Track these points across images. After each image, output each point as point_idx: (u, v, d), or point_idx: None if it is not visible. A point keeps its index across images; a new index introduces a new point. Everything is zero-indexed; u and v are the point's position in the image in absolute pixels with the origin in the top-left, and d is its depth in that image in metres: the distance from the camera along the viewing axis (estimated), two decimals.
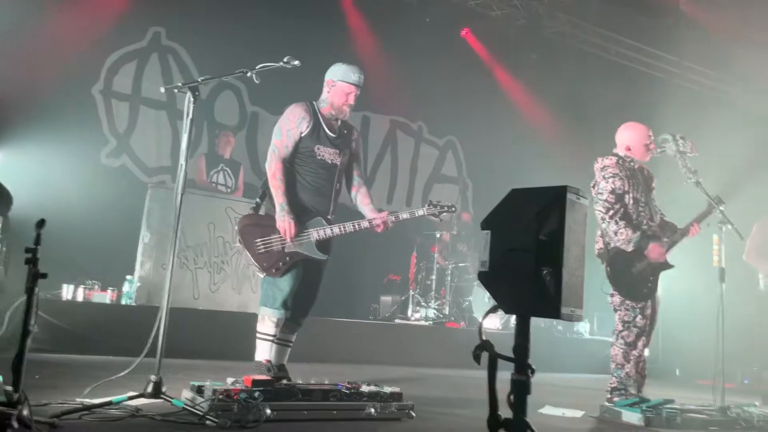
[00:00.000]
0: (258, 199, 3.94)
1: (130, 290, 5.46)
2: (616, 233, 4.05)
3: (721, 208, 4.11)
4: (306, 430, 2.73)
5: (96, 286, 5.39)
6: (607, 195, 4.08)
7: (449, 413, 3.59)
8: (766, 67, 9.01)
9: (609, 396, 4.04)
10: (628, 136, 4.24)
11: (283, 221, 3.69)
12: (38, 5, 6.25)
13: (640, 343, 4.11)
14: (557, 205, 1.83)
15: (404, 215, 3.97)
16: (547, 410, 3.88)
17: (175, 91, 3.13)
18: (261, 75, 3.68)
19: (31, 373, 2.13)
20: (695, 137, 4.29)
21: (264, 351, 3.78)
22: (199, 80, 3.15)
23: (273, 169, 3.76)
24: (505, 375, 1.86)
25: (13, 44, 5.95)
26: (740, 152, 7.63)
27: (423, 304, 7.70)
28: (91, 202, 6.14)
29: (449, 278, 7.78)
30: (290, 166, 3.83)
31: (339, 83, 3.89)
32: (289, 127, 3.81)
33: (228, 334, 5.20)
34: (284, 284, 3.74)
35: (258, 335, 3.79)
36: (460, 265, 7.94)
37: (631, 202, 4.14)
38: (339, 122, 3.99)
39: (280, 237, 3.71)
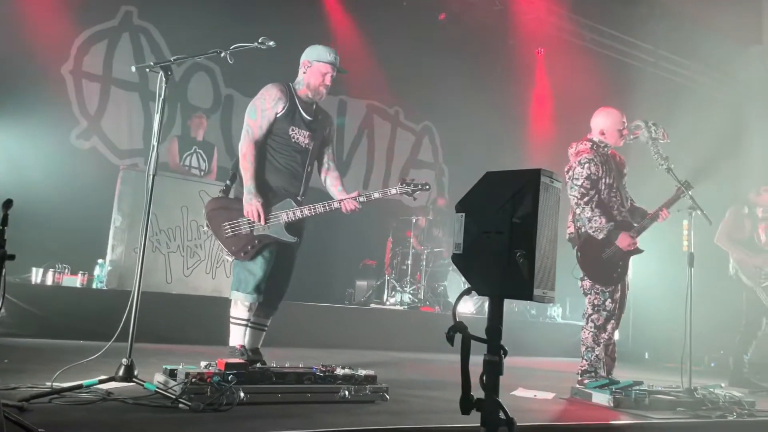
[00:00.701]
0: (228, 182, 3.90)
1: (101, 274, 5.38)
2: (589, 220, 4.09)
3: (689, 192, 4.18)
4: (280, 413, 2.73)
5: (66, 270, 5.30)
6: (583, 180, 4.12)
7: (423, 395, 3.61)
8: (732, 55, 9.19)
9: (579, 378, 4.11)
10: (603, 121, 4.28)
11: (251, 204, 3.65)
12: None
13: (609, 327, 4.18)
14: (531, 188, 1.84)
15: (376, 194, 3.94)
16: (520, 392, 3.93)
17: (147, 70, 3.07)
18: (235, 56, 3.62)
19: None
20: (667, 124, 4.36)
21: (238, 336, 3.76)
22: (172, 60, 3.09)
23: (244, 150, 3.72)
24: (478, 359, 1.88)
25: None
26: (711, 139, 7.76)
27: (398, 288, 7.73)
28: (60, 184, 6.02)
29: (424, 263, 7.82)
30: (263, 147, 3.79)
31: (315, 63, 3.85)
32: (265, 107, 3.76)
33: (201, 319, 5.16)
34: (256, 268, 3.72)
35: (231, 320, 3.77)
36: (435, 250, 7.98)
37: (604, 187, 4.19)
38: (315, 106, 3.96)
39: (248, 220, 3.68)
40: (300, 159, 3.86)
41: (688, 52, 9.38)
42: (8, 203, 2.16)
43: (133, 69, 3.17)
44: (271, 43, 3.49)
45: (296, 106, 3.85)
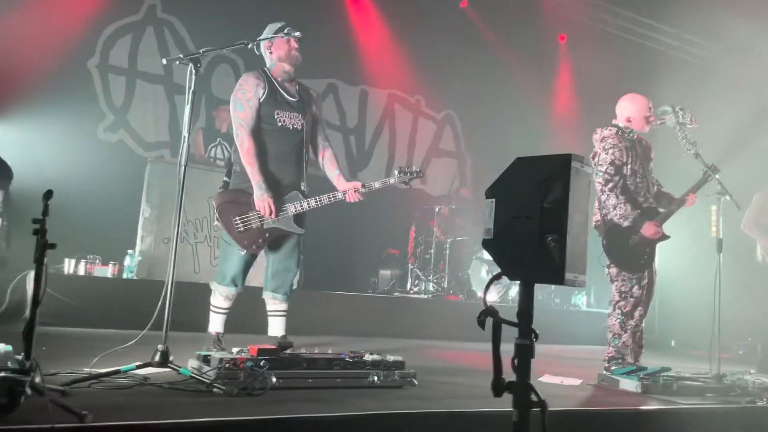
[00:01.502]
0: (225, 177, 3.91)
1: (131, 264, 5.48)
2: (614, 207, 4.08)
3: (716, 176, 4.14)
4: (310, 398, 2.78)
5: (97, 261, 5.41)
6: (607, 166, 4.11)
7: (450, 381, 3.65)
8: (758, 37, 8.99)
9: (606, 365, 4.11)
10: (629, 108, 4.25)
11: (262, 200, 3.68)
12: None
13: (637, 314, 4.16)
14: (561, 173, 1.84)
15: (377, 184, 3.96)
16: (546, 379, 3.94)
17: (177, 63, 3.12)
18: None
19: (37, 345, 2.16)
20: (694, 109, 4.31)
21: (216, 323, 3.87)
22: (201, 51, 3.14)
23: (246, 144, 3.70)
24: (506, 347, 1.89)
25: (7, 19, 5.88)
26: (737, 123, 7.64)
27: (422, 277, 7.76)
28: (89, 176, 6.13)
29: (448, 252, 7.83)
30: (260, 138, 3.78)
31: (275, 38, 3.83)
32: (247, 96, 3.75)
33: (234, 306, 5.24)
34: (236, 261, 3.78)
35: (211, 308, 3.87)
36: (458, 239, 7.98)
37: (629, 173, 4.17)
38: (296, 86, 3.95)
39: (258, 213, 3.72)
40: (293, 144, 3.85)
41: (713, 35, 9.21)
42: (49, 194, 2.23)
43: (164, 62, 3.21)
44: (297, 33, 3.54)
45: (276, 88, 3.84)
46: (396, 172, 4.05)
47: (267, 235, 3.76)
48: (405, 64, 8.45)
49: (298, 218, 3.85)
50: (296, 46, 3.88)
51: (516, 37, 8.94)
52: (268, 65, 3.92)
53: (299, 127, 3.87)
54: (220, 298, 3.85)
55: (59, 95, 6.23)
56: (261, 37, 3.83)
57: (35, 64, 6.02)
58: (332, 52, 7.82)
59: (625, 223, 4.07)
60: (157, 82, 7.07)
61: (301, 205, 3.81)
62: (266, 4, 6.78)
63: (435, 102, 9.29)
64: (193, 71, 3.07)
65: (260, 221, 3.74)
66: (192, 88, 3.07)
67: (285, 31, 3.79)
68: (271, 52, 3.88)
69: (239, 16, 6.61)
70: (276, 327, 3.97)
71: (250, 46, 3.53)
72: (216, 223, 3.84)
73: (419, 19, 8.23)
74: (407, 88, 8.99)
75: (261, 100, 3.77)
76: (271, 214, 3.70)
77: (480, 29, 8.62)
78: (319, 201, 3.84)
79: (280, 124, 3.80)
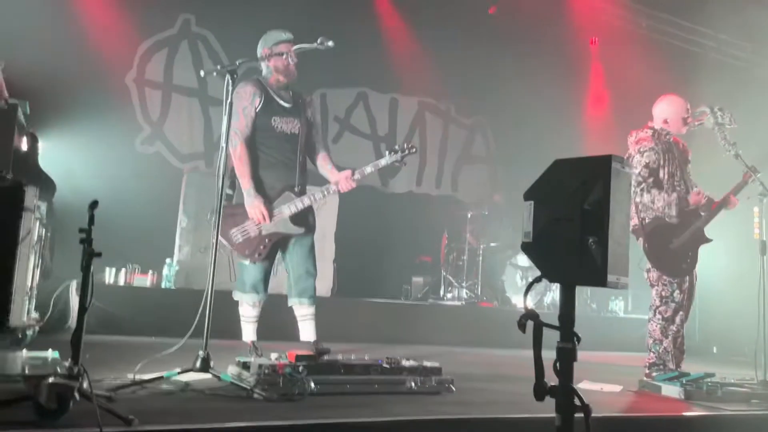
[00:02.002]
0: (229, 190, 3.90)
1: (169, 273, 5.58)
2: (653, 202, 4.01)
3: (758, 176, 4.04)
4: (348, 403, 2.79)
5: (137, 270, 5.52)
6: (641, 168, 4.06)
7: (488, 388, 3.62)
8: None
9: (647, 371, 4.04)
10: (666, 109, 4.19)
11: (252, 205, 3.72)
12: None
13: (678, 318, 4.09)
14: (602, 174, 1.83)
15: (369, 168, 3.96)
16: (585, 385, 3.88)
17: (213, 74, 3.19)
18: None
19: (82, 352, 2.22)
20: (733, 110, 4.22)
21: (248, 332, 3.93)
22: (237, 63, 3.20)
23: (239, 152, 3.75)
24: (546, 354, 1.87)
25: (47, 37, 6.06)
26: None
27: (455, 284, 7.72)
28: (128, 188, 6.26)
29: (481, 258, 7.78)
30: (253, 146, 3.84)
31: (275, 48, 3.86)
32: (244, 105, 3.80)
33: (264, 315, 5.28)
34: (252, 269, 3.83)
35: (241, 318, 3.94)
36: (491, 245, 7.93)
37: (666, 176, 4.10)
38: (290, 92, 3.99)
39: (254, 221, 3.75)
40: (290, 148, 3.90)
41: (750, 35, 9.02)
42: (94, 204, 2.29)
43: (202, 74, 3.29)
44: (330, 43, 3.57)
45: (271, 96, 3.89)
46: (387, 152, 4.02)
47: (267, 240, 3.80)
48: (435, 72, 8.45)
49: (296, 219, 3.87)
50: (296, 60, 3.93)
51: (546, 42, 8.87)
52: (264, 74, 3.99)
53: (296, 132, 3.93)
54: (247, 306, 3.92)
55: (98, 109, 6.39)
56: (296, 47, 3.86)
57: (75, 80, 6.20)
58: (362, 61, 7.87)
59: (673, 212, 3.98)
60: (192, 95, 7.21)
61: (295, 206, 3.84)
62: (297, 16, 6.84)
63: (465, 108, 9.27)
64: (230, 82, 3.13)
65: (258, 228, 3.77)
66: (230, 98, 3.12)
67: (283, 39, 3.87)
68: (269, 62, 3.92)
69: (271, 29, 6.68)
70: (307, 331, 4.00)
71: (285, 56, 3.58)
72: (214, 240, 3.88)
73: (448, 26, 8.23)
74: (437, 96, 8.99)
75: (257, 110, 3.85)
76: (265, 218, 3.73)
77: (509, 35, 8.58)
78: (313, 197, 3.86)
79: (278, 130, 3.88)
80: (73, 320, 4.81)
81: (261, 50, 3.94)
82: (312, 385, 2.85)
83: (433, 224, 8.30)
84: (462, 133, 9.32)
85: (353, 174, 3.93)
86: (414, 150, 4.03)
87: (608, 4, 8.73)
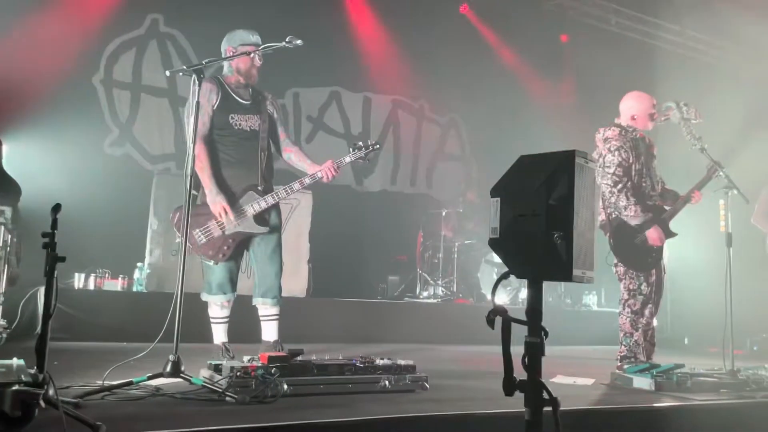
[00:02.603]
0: (194, 191, 3.83)
1: (140, 277, 5.51)
2: (625, 208, 4.06)
3: (722, 172, 4.12)
4: (322, 404, 2.78)
5: (107, 275, 5.44)
6: (615, 168, 4.10)
7: (463, 385, 3.64)
8: (760, 31, 8.97)
9: (619, 364, 4.09)
10: (634, 106, 4.24)
11: (215, 204, 3.69)
12: None
13: (647, 311, 4.15)
14: (566, 169, 1.85)
15: (347, 159, 3.96)
16: (559, 379, 3.92)
17: (180, 74, 3.15)
18: (263, 57, 3.69)
19: (49, 359, 2.18)
20: (698, 105, 4.29)
21: (219, 334, 3.90)
22: (204, 63, 3.16)
23: (197, 151, 3.63)
24: (517, 349, 1.88)
25: (12, 37, 5.94)
26: (743, 117, 7.61)
27: (431, 282, 7.75)
28: (97, 191, 6.16)
29: (456, 256, 7.81)
30: (212, 144, 3.81)
31: (241, 48, 3.82)
32: (201, 103, 3.78)
33: (238, 317, 5.24)
34: (217, 269, 3.81)
35: (211, 320, 3.89)
36: (466, 242, 7.97)
37: (634, 172, 4.16)
38: (250, 90, 3.97)
39: (218, 222, 3.73)
40: (251, 146, 3.87)
41: (715, 31, 9.19)
42: (57, 207, 2.25)
43: (167, 74, 3.25)
44: (299, 41, 3.55)
45: (229, 93, 3.87)
46: (351, 149, 4.02)
47: (231, 241, 3.77)
48: (407, 70, 8.47)
49: (260, 218, 3.84)
50: (258, 65, 3.91)
51: (517, 39, 8.95)
52: (224, 71, 3.96)
53: (256, 128, 3.90)
54: (216, 308, 3.90)
55: (65, 111, 6.28)
56: (264, 46, 3.83)
57: (40, 81, 6.07)
58: (334, 60, 7.85)
59: (634, 222, 4.06)
60: (162, 95, 7.12)
61: (259, 204, 3.81)
62: (267, 15, 6.81)
63: (439, 107, 9.30)
64: (197, 82, 3.09)
65: (221, 229, 3.74)
66: (196, 98, 3.09)
67: (250, 42, 3.81)
68: (231, 61, 3.89)
69: (241, 27, 6.62)
70: (269, 331, 3.98)
71: (252, 55, 3.55)
72: (178, 240, 3.84)
73: (420, 24, 8.25)
74: (410, 94, 9.00)
75: (215, 107, 3.82)
76: (227, 216, 3.70)
77: (481, 33, 8.63)
78: (276, 196, 3.84)
79: (236, 127, 3.85)
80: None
81: (225, 47, 3.90)
82: (285, 386, 2.83)
83: (408, 222, 8.32)
84: (436, 131, 9.35)
85: (334, 163, 3.92)
86: (377, 147, 4.03)
87: (578, 2, 8.83)
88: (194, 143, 3.10)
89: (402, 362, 3.25)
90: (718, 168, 4.12)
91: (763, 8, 8.08)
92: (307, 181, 3.90)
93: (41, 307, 4.85)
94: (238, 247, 3.82)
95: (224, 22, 6.88)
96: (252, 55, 3.77)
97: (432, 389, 3.22)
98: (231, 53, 3.85)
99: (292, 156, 4.10)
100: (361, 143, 4.01)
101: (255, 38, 3.88)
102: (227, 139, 3.83)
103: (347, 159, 3.98)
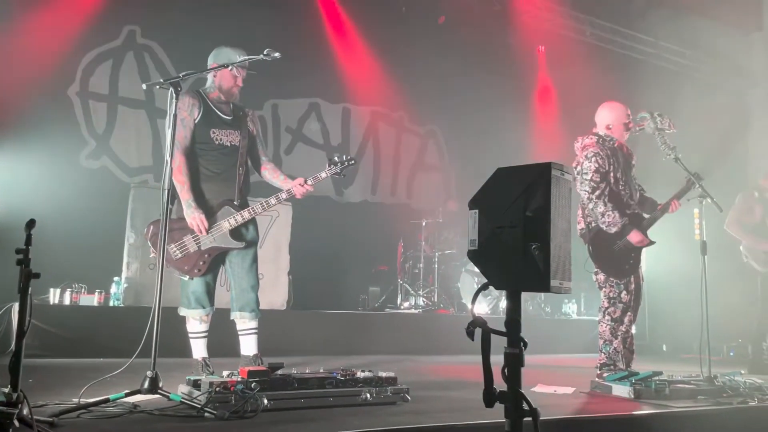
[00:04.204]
0: (170, 205, 3.88)
1: (117, 291, 5.43)
2: (603, 215, 4.10)
3: (700, 183, 4.19)
4: (302, 418, 2.76)
5: (83, 289, 5.35)
6: (592, 174, 4.14)
7: (444, 396, 3.63)
8: (733, 42, 9.19)
9: (599, 372, 4.12)
10: (608, 116, 4.30)
11: (193, 218, 3.68)
12: (7, 7, 6.14)
13: (626, 319, 4.19)
14: (542, 181, 1.87)
15: (322, 174, 3.96)
16: (539, 389, 3.94)
17: (157, 87, 3.13)
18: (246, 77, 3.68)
19: (24, 377, 2.13)
20: (672, 114, 4.37)
21: (198, 349, 3.87)
22: (181, 75, 3.15)
23: (178, 162, 3.69)
24: (497, 359, 1.89)
25: None
26: (717, 127, 7.76)
27: (412, 292, 7.75)
28: (73, 205, 6.07)
29: (436, 266, 7.83)
30: (193, 157, 3.81)
31: (231, 66, 3.81)
32: (182, 116, 3.77)
33: (218, 331, 5.19)
34: (193, 284, 3.79)
35: (189, 336, 3.86)
36: (446, 252, 7.99)
37: (613, 180, 4.21)
38: (231, 105, 3.98)
39: (193, 236, 3.72)
40: (230, 161, 3.88)
41: (689, 42, 9.38)
42: (31, 223, 2.22)
43: (144, 87, 3.23)
44: (276, 54, 3.55)
45: (211, 108, 3.88)
46: (327, 165, 4.02)
47: (207, 255, 3.76)
48: (386, 81, 8.50)
49: (236, 233, 3.84)
50: (240, 85, 3.93)
51: (495, 51, 9.03)
52: (206, 86, 3.96)
53: (236, 144, 3.91)
54: (194, 322, 3.87)
55: (40, 124, 6.19)
56: (242, 59, 3.82)
57: (14, 93, 5.98)
58: (313, 72, 7.85)
59: (613, 230, 4.10)
60: (139, 107, 7.06)
61: (235, 219, 3.81)
62: (246, 28, 6.81)
63: (418, 117, 9.34)
64: (174, 95, 3.07)
65: (197, 244, 3.72)
66: (173, 111, 3.07)
67: (236, 64, 3.78)
68: (214, 75, 3.90)
69: (219, 40, 6.58)
70: (248, 345, 3.95)
71: (230, 68, 3.54)
72: (152, 255, 3.80)
73: (398, 36, 8.30)
74: (389, 105, 9.03)
75: (196, 121, 3.82)
76: (203, 231, 3.69)
77: (458, 44, 8.70)
78: (252, 211, 3.85)
79: (217, 142, 3.85)
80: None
81: (210, 63, 3.90)
82: (265, 401, 2.80)
83: (388, 233, 8.32)
84: (415, 141, 9.39)
85: (306, 181, 3.92)
86: (353, 162, 4.05)
87: (553, 14, 8.95)
88: (171, 156, 3.07)
89: (383, 374, 3.24)
90: (696, 180, 4.18)
91: (731, 18, 8.28)
92: (283, 196, 3.90)
93: (15, 324, 4.79)
94: (213, 262, 3.80)
95: (202, 34, 6.90)
96: (231, 68, 3.76)
97: (413, 401, 3.21)
98: (214, 70, 3.84)
99: (266, 174, 4.12)
100: (336, 158, 4.01)
101: (241, 59, 3.87)
102: (207, 153, 3.83)
103: (323, 174, 3.99)
